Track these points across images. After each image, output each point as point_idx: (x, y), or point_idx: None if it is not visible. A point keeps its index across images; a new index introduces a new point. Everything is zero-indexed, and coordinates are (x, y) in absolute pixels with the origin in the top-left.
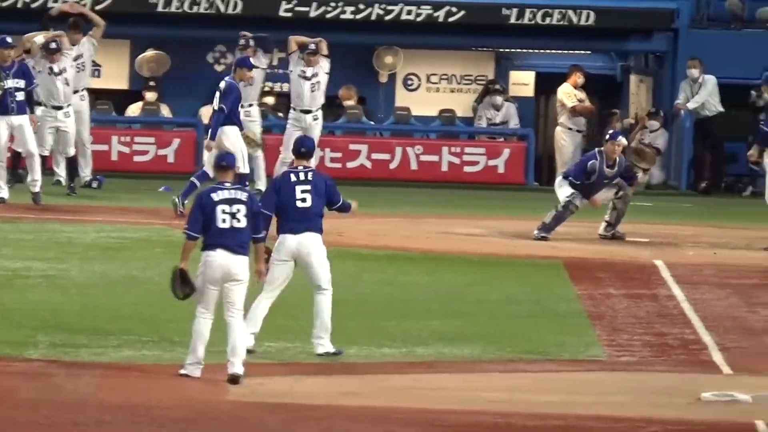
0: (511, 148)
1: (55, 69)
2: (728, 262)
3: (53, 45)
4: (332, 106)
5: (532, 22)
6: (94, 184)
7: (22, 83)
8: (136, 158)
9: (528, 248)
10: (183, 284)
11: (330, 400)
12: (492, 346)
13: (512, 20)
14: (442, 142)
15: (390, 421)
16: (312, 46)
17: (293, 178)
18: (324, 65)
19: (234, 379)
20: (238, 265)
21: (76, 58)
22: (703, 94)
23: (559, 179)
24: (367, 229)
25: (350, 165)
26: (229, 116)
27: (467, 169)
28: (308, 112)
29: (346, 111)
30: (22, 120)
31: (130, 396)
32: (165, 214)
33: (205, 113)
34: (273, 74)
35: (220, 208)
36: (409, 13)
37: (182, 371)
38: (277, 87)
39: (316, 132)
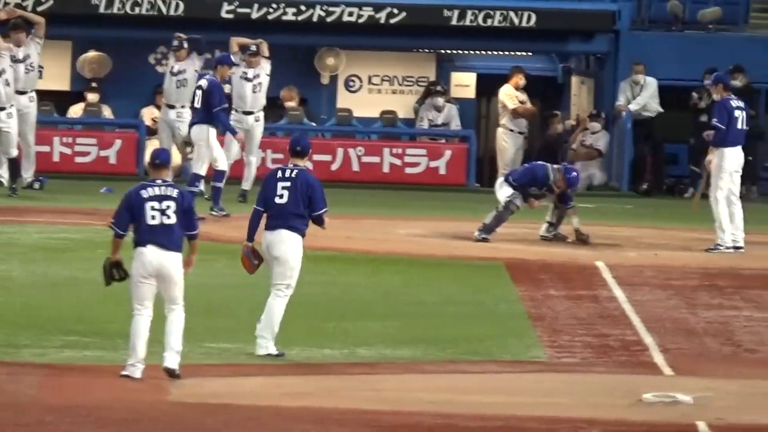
0: (452, 149)
1: None
2: (669, 263)
3: None
4: (274, 108)
5: (474, 23)
6: (36, 185)
7: None
8: (78, 159)
9: (469, 249)
10: (117, 270)
11: (271, 401)
12: (433, 348)
13: (454, 22)
14: (383, 144)
15: (330, 421)
16: (253, 48)
17: (279, 174)
18: (265, 66)
19: (170, 373)
20: (170, 261)
21: (24, 59)
22: (645, 96)
23: (500, 180)
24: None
25: None
26: (208, 115)
27: (409, 170)
28: (250, 113)
29: (287, 112)
30: None
31: (71, 397)
32: (107, 214)
33: (147, 114)
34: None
35: (149, 205)
36: (350, 14)
37: (123, 372)
38: None
39: (257, 133)
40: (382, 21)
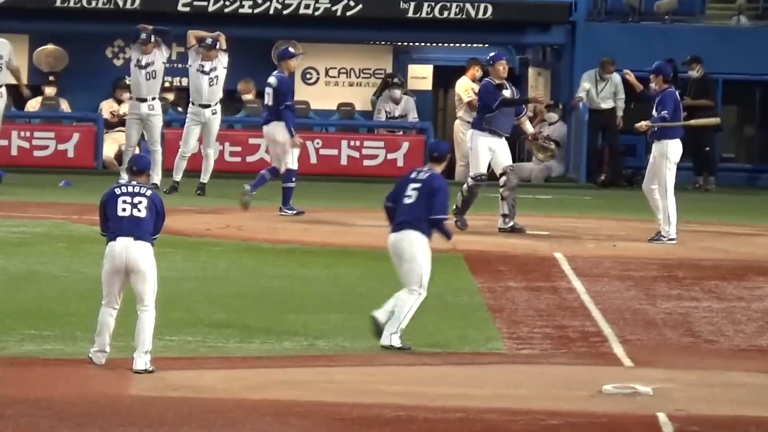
0: (410, 141)
1: None
2: (628, 254)
3: None
4: (231, 101)
5: (430, 15)
6: None
7: None
8: (36, 153)
9: None
10: None
11: (232, 394)
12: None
13: (410, 14)
14: (341, 136)
15: (291, 414)
16: (209, 41)
17: (412, 175)
18: (222, 59)
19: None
20: (139, 251)
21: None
22: (621, 92)
23: (469, 133)
24: (267, 223)
25: (250, 159)
26: (280, 111)
27: (367, 162)
28: (207, 106)
29: (245, 105)
30: None
31: (32, 390)
32: (65, 209)
33: (106, 108)
34: (172, 69)
35: (120, 199)
36: (307, 7)
37: (89, 355)
38: (176, 82)
39: (214, 126)
40: (339, 13)
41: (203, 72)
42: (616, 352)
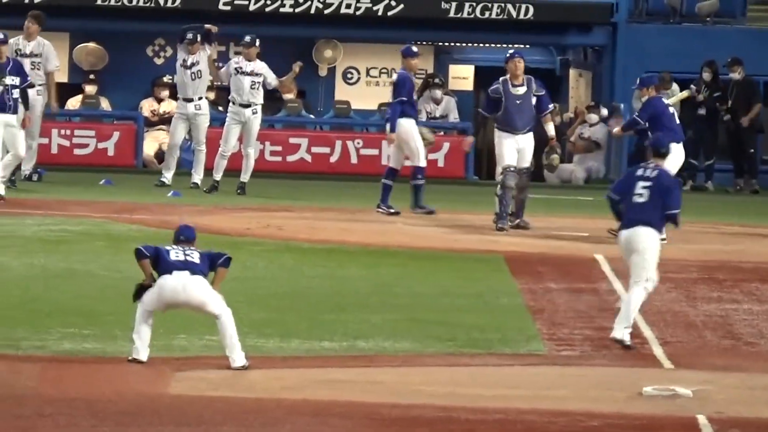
0: (450, 141)
1: None
2: (668, 256)
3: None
4: (272, 100)
5: (471, 15)
6: (35, 177)
7: (17, 81)
8: (76, 151)
9: (468, 242)
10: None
11: (271, 394)
12: (432, 340)
13: (451, 14)
14: (382, 136)
15: (330, 414)
16: (248, 39)
17: (639, 172)
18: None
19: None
20: (194, 285)
21: (31, 55)
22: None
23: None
24: (307, 222)
25: (290, 159)
26: (405, 108)
27: (407, 162)
28: (247, 106)
29: (285, 104)
30: (12, 118)
31: (70, 389)
32: (104, 207)
33: (146, 106)
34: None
35: (173, 251)
36: (348, 6)
37: (130, 357)
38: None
39: (254, 126)
40: (380, 13)
41: (244, 73)
42: (656, 354)
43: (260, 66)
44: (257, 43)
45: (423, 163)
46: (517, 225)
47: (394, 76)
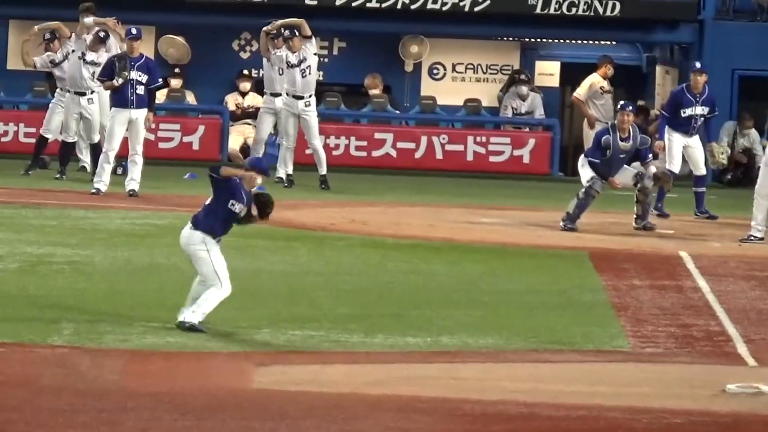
0: (536, 138)
1: (88, 57)
2: (753, 254)
3: (102, 34)
4: (357, 95)
5: (558, 12)
6: (119, 171)
7: (144, 77)
8: (161, 145)
9: (552, 239)
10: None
11: (354, 389)
12: (515, 337)
13: (538, 10)
14: (467, 132)
15: (413, 410)
16: (286, 33)
17: None
18: (309, 49)
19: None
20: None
21: (299, 64)
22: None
23: (581, 159)
24: (391, 218)
25: (375, 154)
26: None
27: (492, 158)
28: (300, 98)
29: (371, 100)
30: (140, 114)
31: (153, 383)
32: (189, 201)
33: (231, 100)
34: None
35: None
36: (434, 2)
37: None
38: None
39: (313, 119)
40: (466, 9)
41: (291, 65)
42: (740, 352)
43: (306, 53)
44: (297, 34)
45: (702, 172)
46: (643, 227)
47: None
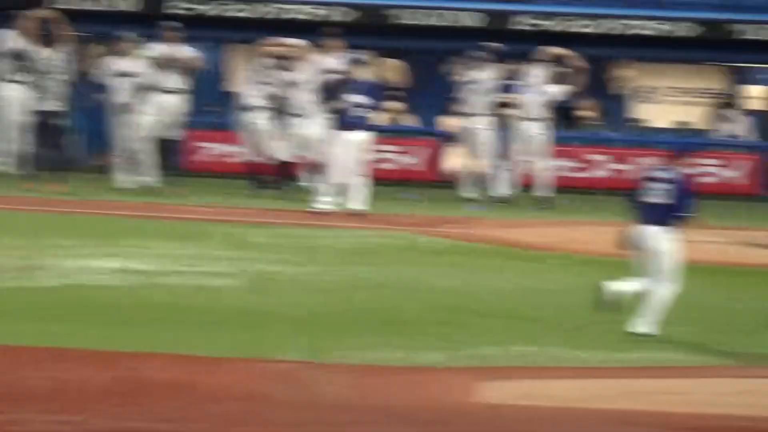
0: (746, 160)
1: (296, 79)
2: None
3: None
4: (570, 118)
5: (766, 38)
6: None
7: (365, 101)
8: (382, 165)
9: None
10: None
11: (576, 404)
12: (725, 354)
13: (746, 36)
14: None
15: (637, 424)
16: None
17: None
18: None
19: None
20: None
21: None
22: None
23: None
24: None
25: (588, 175)
26: None
27: (702, 180)
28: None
29: (582, 122)
30: (361, 137)
31: (386, 398)
32: (411, 220)
33: (448, 123)
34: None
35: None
36: (644, 28)
37: None
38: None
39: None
40: (676, 34)
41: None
42: None
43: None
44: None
45: None
46: None
47: None
